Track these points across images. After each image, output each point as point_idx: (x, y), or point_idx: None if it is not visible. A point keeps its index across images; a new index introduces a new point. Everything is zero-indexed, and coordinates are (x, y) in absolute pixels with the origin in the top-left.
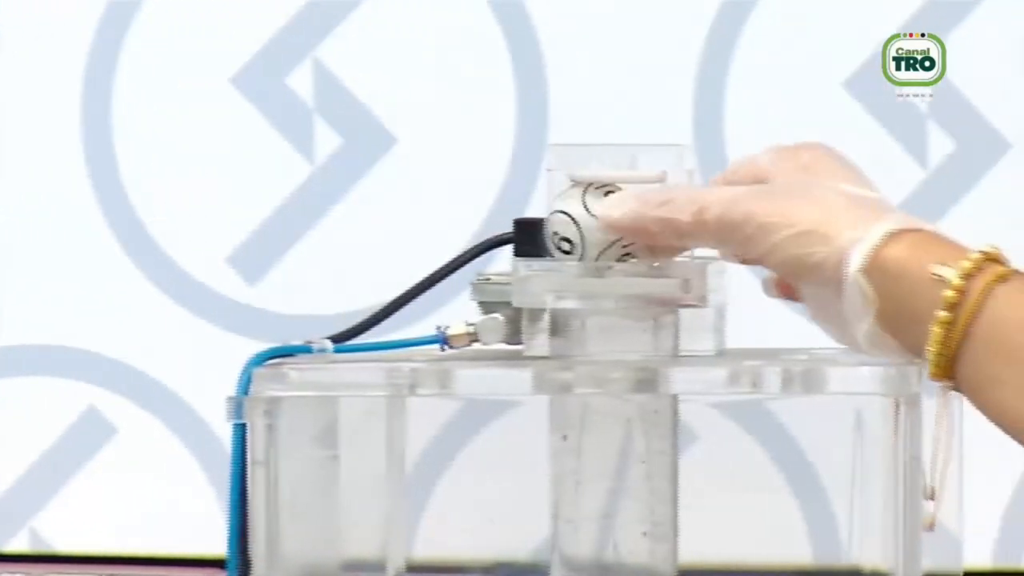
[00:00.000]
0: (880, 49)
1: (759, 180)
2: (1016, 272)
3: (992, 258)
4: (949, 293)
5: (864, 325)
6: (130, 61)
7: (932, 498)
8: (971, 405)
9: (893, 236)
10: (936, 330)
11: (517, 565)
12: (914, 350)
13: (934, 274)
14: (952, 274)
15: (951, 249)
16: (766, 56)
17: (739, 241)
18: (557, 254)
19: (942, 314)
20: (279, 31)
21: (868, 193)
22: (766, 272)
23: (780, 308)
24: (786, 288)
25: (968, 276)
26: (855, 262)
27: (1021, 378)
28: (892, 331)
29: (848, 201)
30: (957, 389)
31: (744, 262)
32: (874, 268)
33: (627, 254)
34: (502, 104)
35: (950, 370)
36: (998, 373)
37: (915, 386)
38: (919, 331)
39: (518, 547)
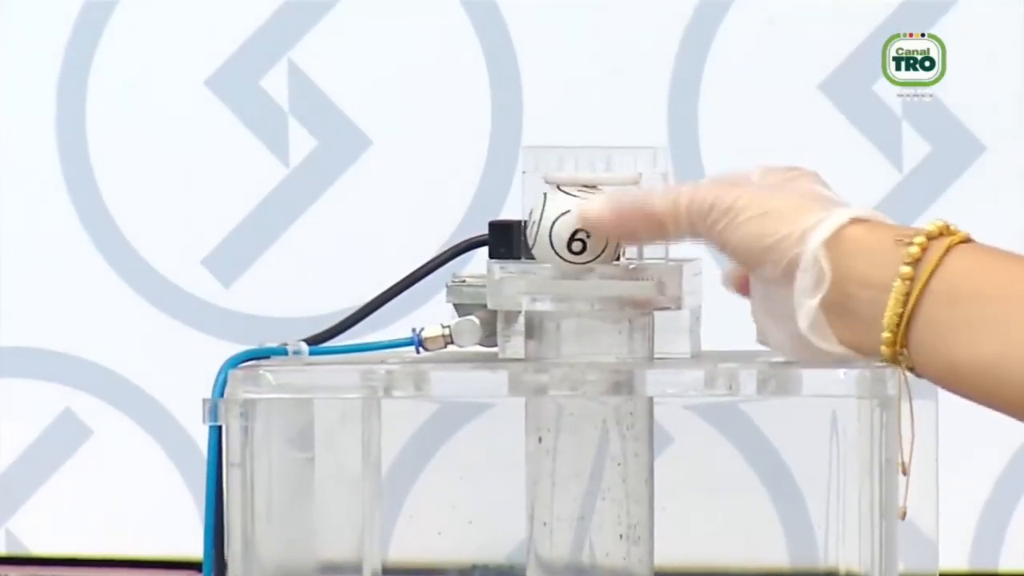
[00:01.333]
0: (855, 51)
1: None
2: (974, 239)
3: (952, 231)
4: (913, 250)
5: (811, 303)
6: (104, 63)
7: (905, 473)
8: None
9: (856, 220)
10: (897, 285)
11: (493, 567)
12: (861, 330)
13: (897, 239)
14: (917, 236)
15: (912, 228)
16: (741, 58)
17: (708, 226)
18: (565, 253)
19: (905, 269)
20: (253, 33)
21: (838, 198)
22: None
23: None
24: (743, 282)
25: (931, 238)
26: (817, 237)
27: (979, 317)
28: (843, 311)
29: (817, 196)
30: (908, 364)
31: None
32: (834, 244)
33: (582, 239)
34: (476, 106)
35: (904, 335)
36: (954, 318)
37: (890, 388)
38: (874, 302)
39: (494, 549)
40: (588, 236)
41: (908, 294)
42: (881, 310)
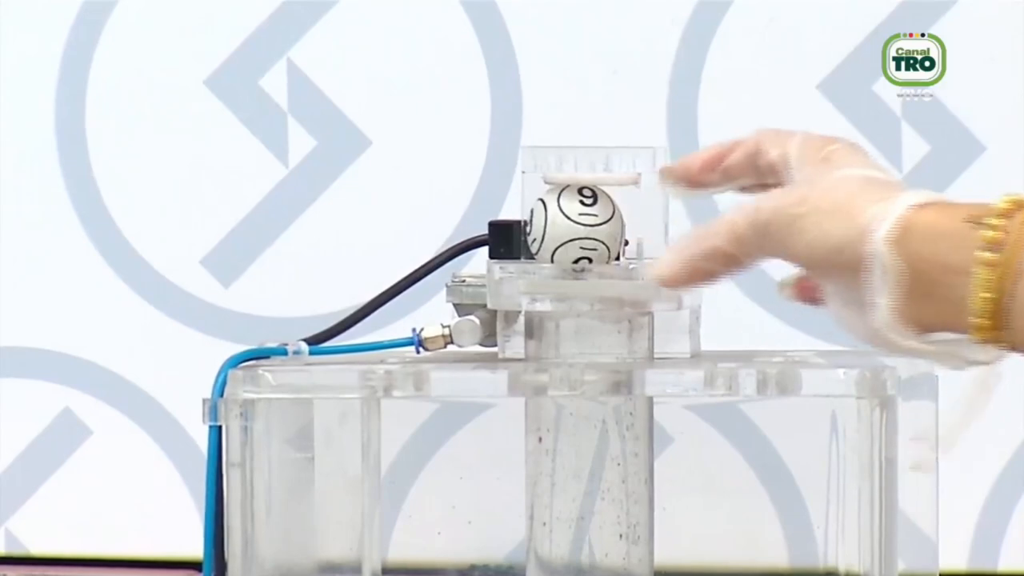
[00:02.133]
0: (855, 51)
1: (784, 162)
2: None
3: (1021, 203)
4: (989, 233)
5: (884, 303)
6: (104, 62)
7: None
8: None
9: (917, 207)
10: (981, 272)
11: (492, 567)
12: (949, 314)
13: (968, 220)
14: (988, 216)
15: (979, 205)
16: (740, 58)
17: (773, 243)
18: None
19: (986, 255)
20: (253, 33)
21: (889, 177)
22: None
23: (755, 310)
24: (804, 289)
25: (1004, 215)
26: (879, 233)
27: None
28: (922, 300)
29: (869, 182)
30: (1008, 342)
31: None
32: (901, 236)
33: (587, 258)
34: (476, 106)
35: (999, 317)
36: None
37: (890, 388)
38: (957, 286)
39: (493, 549)
40: (591, 261)
41: (997, 279)
42: (966, 293)
